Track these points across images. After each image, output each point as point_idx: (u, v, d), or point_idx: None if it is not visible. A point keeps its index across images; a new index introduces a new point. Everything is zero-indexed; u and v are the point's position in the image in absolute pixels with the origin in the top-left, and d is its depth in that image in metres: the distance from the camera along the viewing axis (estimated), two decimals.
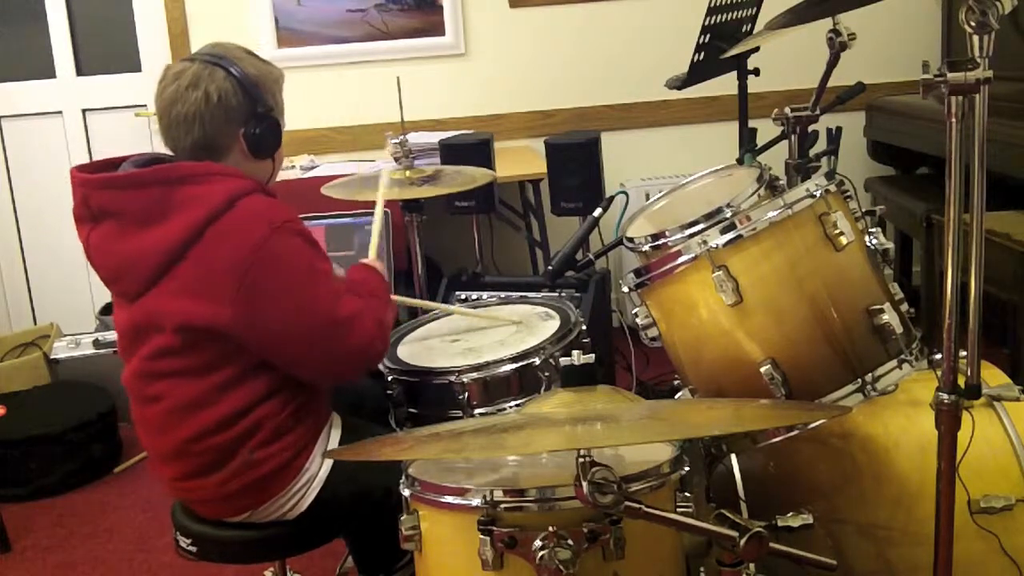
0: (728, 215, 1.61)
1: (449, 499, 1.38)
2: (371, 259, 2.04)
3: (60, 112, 4.24)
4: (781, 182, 1.77)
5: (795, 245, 1.60)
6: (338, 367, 1.81)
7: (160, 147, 1.84)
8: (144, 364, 1.77)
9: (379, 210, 2.22)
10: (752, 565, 1.34)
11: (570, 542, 1.28)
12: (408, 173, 2.47)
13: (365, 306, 1.82)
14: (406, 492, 1.45)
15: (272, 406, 1.77)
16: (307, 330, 1.72)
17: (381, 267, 2.02)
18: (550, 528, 1.29)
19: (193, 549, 1.88)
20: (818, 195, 1.60)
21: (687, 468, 1.43)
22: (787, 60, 3.68)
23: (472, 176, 2.53)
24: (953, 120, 1.35)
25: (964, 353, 1.44)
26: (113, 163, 1.79)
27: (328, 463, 1.84)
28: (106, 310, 3.96)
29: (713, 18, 2.71)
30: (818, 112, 2.17)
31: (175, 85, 1.76)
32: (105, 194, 1.73)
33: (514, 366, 1.94)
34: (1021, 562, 1.65)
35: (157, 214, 1.69)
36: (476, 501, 1.34)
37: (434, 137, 3.51)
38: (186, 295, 1.69)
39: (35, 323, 4.30)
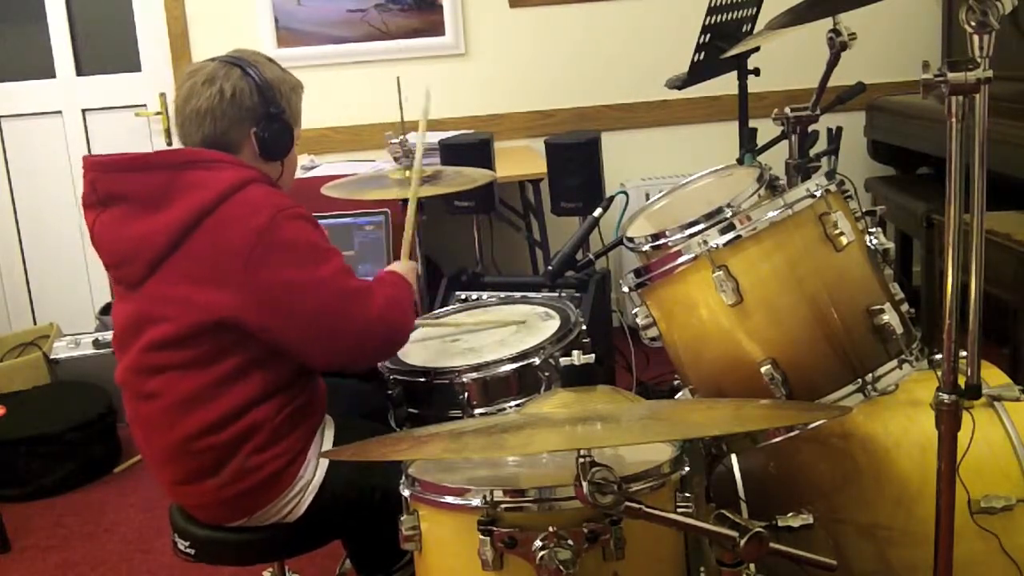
0: (728, 215, 1.61)
1: (449, 499, 1.38)
2: (400, 264, 2.03)
3: (60, 112, 4.23)
4: (781, 182, 1.77)
5: (795, 245, 1.60)
6: (351, 344, 1.78)
7: (159, 148, 1.85)
8: (142, 357, 1.76)
9: (412, 209, 2.22)
10: (752, 565, 1.34)
11: (570, 542, 1.28)
12: (408, 173, 2.47)
13: (377, 286, 1.83)
14: (406, 492, 1.44)
15: (268, 409, 1.76)
16: (317, 307, 1.71)
17: (410, 268, 2.01)
18: (550, 528, 1.29)
19: (191, 551, 1.88)
20: (818, 195, 1.60)
21: (687, 468, 1.43)
22: (787, 60, 3.68)
23: (472, 176, 2.53)
24: (953, 120, 1.35)
25: (964, 353, 1.44)
26: (126, 154, 1.79)
27: (323, 468, 1.84)
28: (106, 310, 3.95)
29: (713, 18, 2.71)
30: (818, 112, 2.17)
31: (191, 81, 1.78)
32: (112, 177, 1.74)
33: (514, 366, 1.94)
34: (1021, 562, 1.65)
35: (162, 198, 1.70)
36: (476, 501, 1.34)
37: (434, 137, 3.51)
38: (189, 281, 1.69)
39: (35, 323, 4.30)
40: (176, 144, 1.85)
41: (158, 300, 1.73)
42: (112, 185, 1.74)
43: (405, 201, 2.51)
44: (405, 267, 2.02)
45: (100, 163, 1.75)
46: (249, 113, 1.78)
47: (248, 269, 1.67)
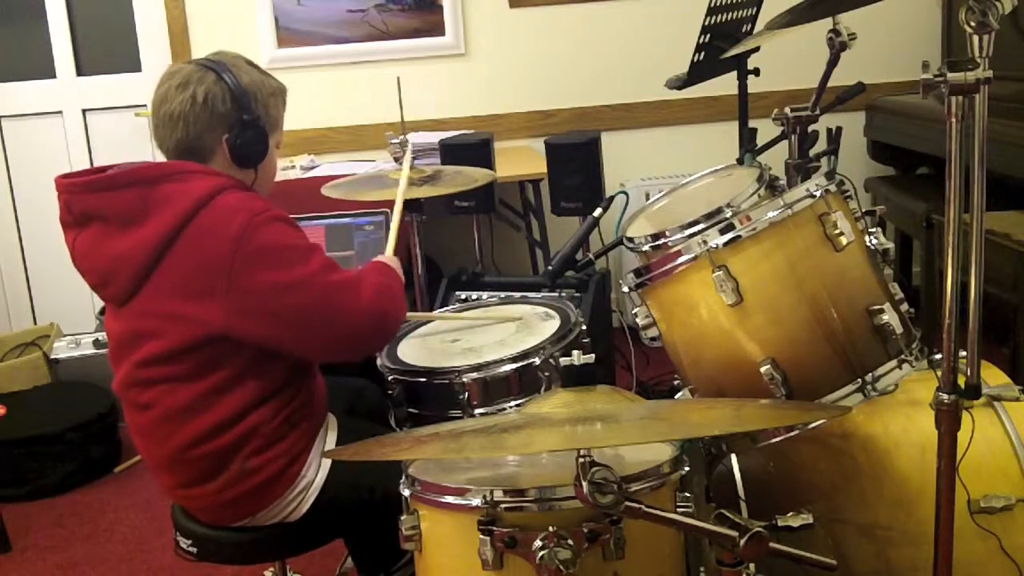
0: (728, 215, 1.61)
1: (449, 499, 1.38)
2: (386, 256, 2.03)
3: (60, 112, 4.24)
4: (781, 182, 1.77)
5: (795, 245, 1.60)
6: (346, 338, 1.77)
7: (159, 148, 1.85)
8: (135, 372, 1.76)
9: (398, 206, 2.23)
10: (752, 565, 1.34)
11: (570, 542, 1.28)
12: (408, 173, 2.47)
13: (364, 275, 1.82)
14: (406, 492, 1.44)
15: (265, 412, 1.76)
16: (304, 306, 1.70)
17: (395, 264, 2.00)
18: (550, 528, 1.29)
19: (193, 550, 1.88)
20: (818, 195, 1.60)
21: (687, 468, 1.43)
22: (787, 60, 3.68)
23: (472, 176, 2.53)
24: (953, 120, 1.35)
25: (964, 353, 1.44)
26: (99, 171, 1.78)
27: (325, 467, 1.84)
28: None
29: (713, 18, 2.71)
30: (818, 112, 2.17)
31: (167, 84, 1.78)
32: (86, 197, 1.73)
33: (514, 366, 1.94)
34: (1021, 562, 1.65)
35: (138, 214, 1.69)
36: (476, 501, 1.34)
37: (434, 137, 3.51)
38: (176, 296, 1.69)
39: (35, 323, 4.30)
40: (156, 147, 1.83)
41: (147, 317, 1.72)
42: (86, 205, 1.73)
43: (405, 201, 2.52)
44: (390, 259, 2.01)
45: (72, 184, 1.74)
46: (221, 119, 1.76)
47: (230, 279, 1.66)
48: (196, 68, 1.78)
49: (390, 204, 2.30)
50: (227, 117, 1.77)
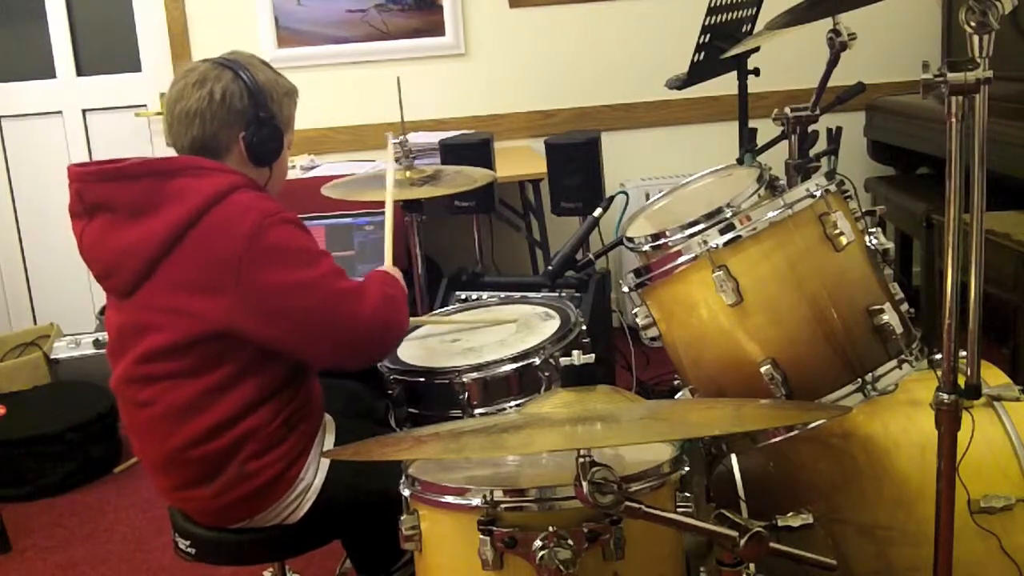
0: (728, 215, 1.61)
1: (449, 499, 1.38)
2: (386, 267, 2.03)
3: (60, 112, 4.24)
4: (781, 182, 1.77)
5: (795, 245, 1.60)
6: (348, 346, 1.77)
7: (159, 148, 1.85)
8: (135, 368, 1.76)
9: (389, 213, 2.21)
10: (752, 565, 1.34)
11: (570, 542, 1.28)
12: (408, 173, 2.47)
13: (370, 285, 1.83)
14: (406, 492, 1.45)
15: (263, 415, 1.75)
16: (310, 310, 1.71)
17: (397, 274, 2.01)
18: (550, 528, 1.29)
19: (192, 551, 1.88)
20: (818, 195, 1.60)
21: (687, 468, 1.43)
22: (787, 60, 3.68)
23: (472, 176, 2.53)
24: (953, 120, 1.35)
25: (964, 353, 1.44)
26: (113, 162, 1.78)
27: (324, 470, 1.84)
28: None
29: (713, 18, 2.71)
30: (818, 112, 2.17)
31: (183, 82, 1.78)
32: (98, 187, 1.73)
33: (514, 366, 1.94)
34: (1021, 562, 1.65)
35: (148, 206, 1.69)
36: (476, 501, 1.34)
37: (434, 137, 3.51)
38: (181, 290, 1.69)
39: (35, 323, 4.30)
40: (161, 148, 1.84)
41: (150, 310, 1.72)
42: (98, 194, 1.73)
43: (405, 201, 2.52)
44: (391, 270, 2.01)
45: (85, 173, 1.74)
46: (238, 117, 1.77)
47: (239, 276, 1.66)
48: (212, 66, 1.78)
49: None
50: (244, 114, 1.77)
